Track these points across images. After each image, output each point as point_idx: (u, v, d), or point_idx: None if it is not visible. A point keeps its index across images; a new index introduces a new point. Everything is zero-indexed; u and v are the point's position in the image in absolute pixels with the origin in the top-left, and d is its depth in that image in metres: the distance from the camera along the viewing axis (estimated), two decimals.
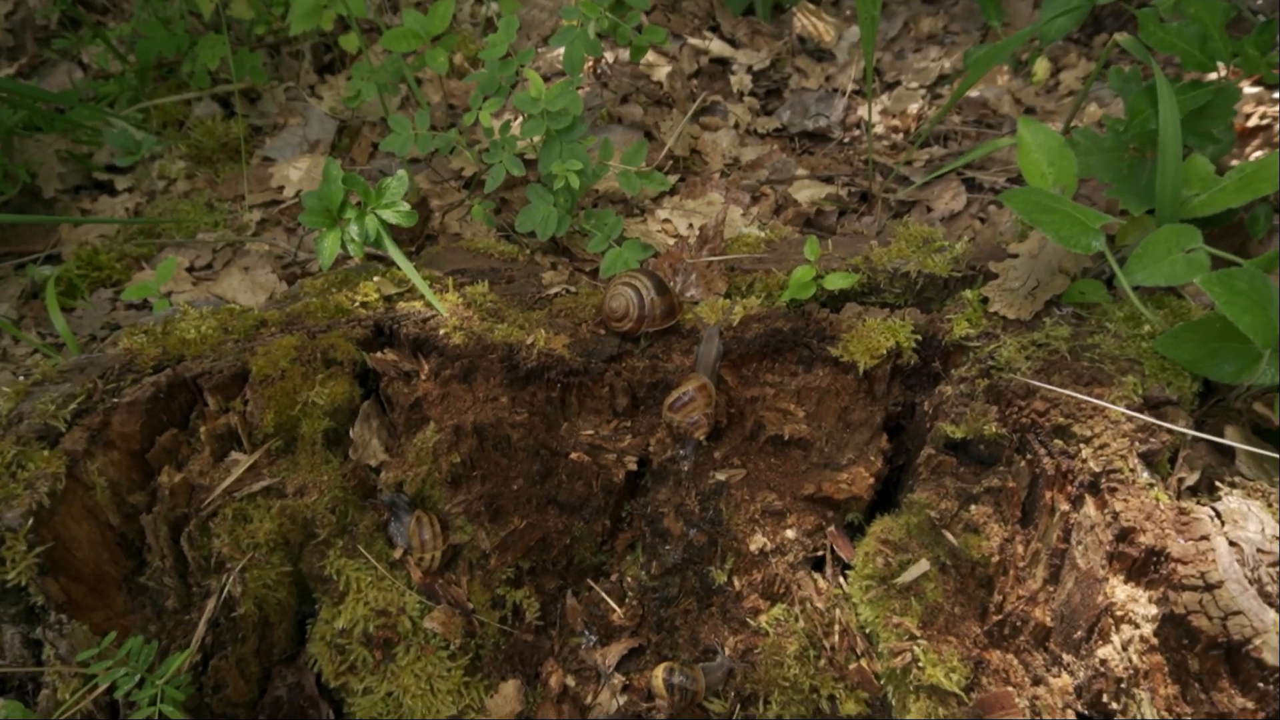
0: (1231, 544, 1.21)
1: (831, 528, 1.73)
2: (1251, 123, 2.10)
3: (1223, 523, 1.25)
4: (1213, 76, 1.70)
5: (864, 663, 1.60)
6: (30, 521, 1.34)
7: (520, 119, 2.41)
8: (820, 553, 1.73)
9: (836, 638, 1.64)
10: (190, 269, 2.33)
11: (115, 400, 1.55)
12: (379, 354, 1.78)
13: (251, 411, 1.66)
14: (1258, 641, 1.12)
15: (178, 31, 2.63)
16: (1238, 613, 1.15)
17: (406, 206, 1.87)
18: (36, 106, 2.51)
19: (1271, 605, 1.16)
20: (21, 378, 1.56)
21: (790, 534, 1.72)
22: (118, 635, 1.42)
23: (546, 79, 2.67)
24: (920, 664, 1.48)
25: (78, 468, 1.45)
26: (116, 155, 2.39)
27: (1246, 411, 1.51)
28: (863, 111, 2.62)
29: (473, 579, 1.78)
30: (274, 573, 1.64)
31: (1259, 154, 2.07)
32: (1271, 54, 1.78)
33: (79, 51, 2.95)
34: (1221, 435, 1.44)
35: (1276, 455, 1.39)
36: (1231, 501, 1.28)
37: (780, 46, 2.82)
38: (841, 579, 1.70)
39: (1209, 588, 1.18)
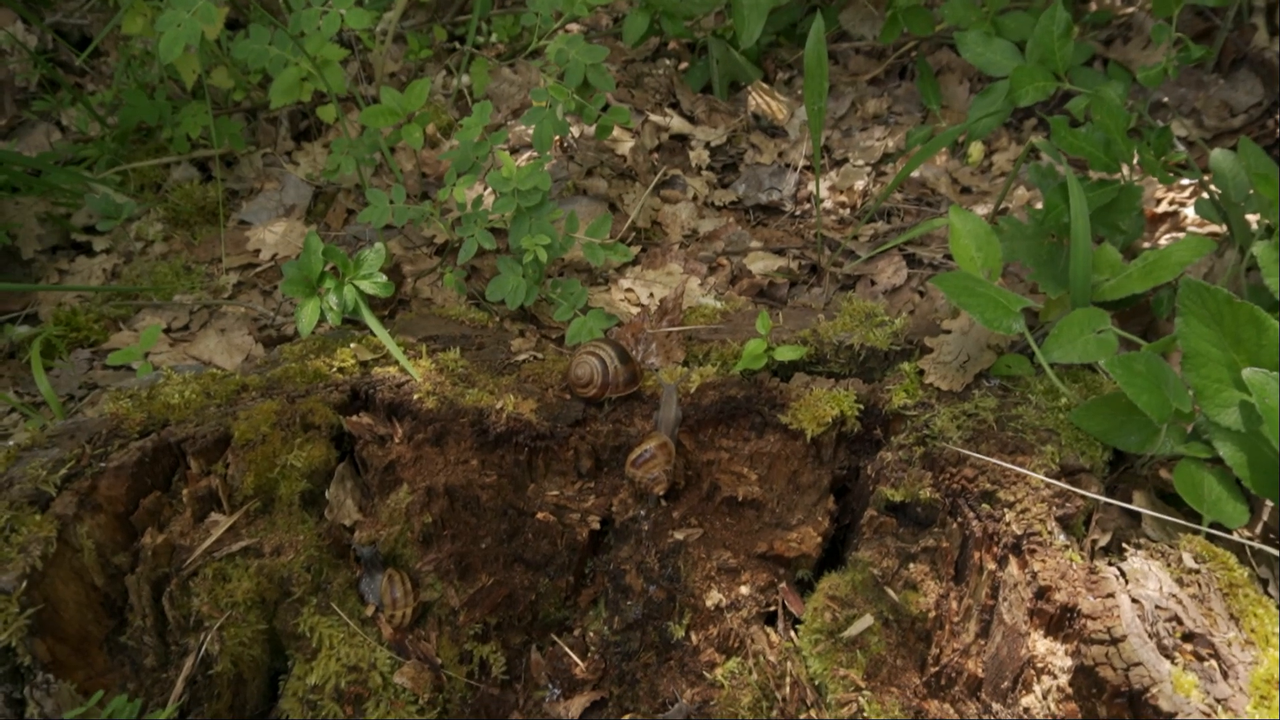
0: (1134, 601, 1.36)
1: (783, 584, 1.85)
2: (1161, 209, 2.31)
3: (1127, 581, 1.40)
4: (1119, 175, 1.90)
5: (814, 713, 1.70)
6: (24, 584, 1.40)
7: (491, 192, 2.55)
8: (772, 608, 1.84)
9: (788, 689, 1.74)
10: (167, 330, 2.40)
11: (103, 465, 1.62)
12: (355, 418, 1.87)
13: (232, 474, 1.73)
14: (1155, 690, 1.25)
15: (159, 99, 2.73)
16: (1138, 664, 1.28)
17: (383, 278, 1.98)
18: (16, 169, 2.58)
19: (1168, 657, 1.29)
20: (10, 444, 1.62)
21: (744, 590, 1.83)
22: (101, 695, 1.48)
23: (515, 150, 2.81)
24: (865, 714, 1.58)
25: (67, 531, 1.51)
26: (97, 219, 2.46)
27: (1152, 477, 1.67)
28: (813, 186, 2.80)
29: (441, 635, 1.85)
30: (250, 630, 1.70)
31: (1168, 237, 2.28)
32: (1176, 152, 1.99)
33: (58, 113, 3.03)
34: (1130, 500, 1.59)
35: (1177, 519, 1.54)
36: (1135, 562, 1.43)
37: (736, 123, 3.00)
38: (792, 633, 1.80)
39: (1114, 641, 1.32)
